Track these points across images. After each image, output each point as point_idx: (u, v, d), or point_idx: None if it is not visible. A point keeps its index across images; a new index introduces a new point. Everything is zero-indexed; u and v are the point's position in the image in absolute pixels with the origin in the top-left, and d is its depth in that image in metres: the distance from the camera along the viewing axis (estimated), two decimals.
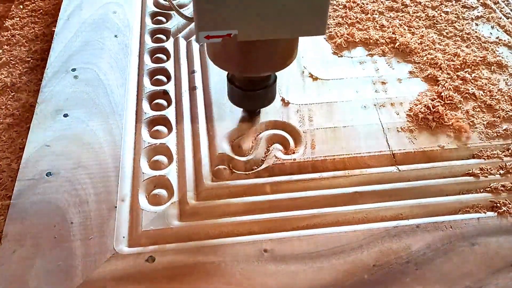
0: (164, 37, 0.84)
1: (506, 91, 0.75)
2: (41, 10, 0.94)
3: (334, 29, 0.86)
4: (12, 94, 0.78)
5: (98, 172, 0.63)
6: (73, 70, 0.77)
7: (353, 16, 0.88)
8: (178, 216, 0.59)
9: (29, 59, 0.84)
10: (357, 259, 0.55)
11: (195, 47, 0.82)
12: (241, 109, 0.70)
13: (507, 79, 0.78)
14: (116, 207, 0.59)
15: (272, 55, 0.55)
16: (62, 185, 0.61)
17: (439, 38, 0.85)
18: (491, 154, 0.67)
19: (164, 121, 0.70)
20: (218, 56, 0.58)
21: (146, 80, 0.76)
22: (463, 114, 0.72)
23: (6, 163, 0.68)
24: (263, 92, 0.63)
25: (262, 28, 0.47)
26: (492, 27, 0.88)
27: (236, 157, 0.65)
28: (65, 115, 0.70)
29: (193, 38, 0.84)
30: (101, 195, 0.60)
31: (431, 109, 0.71)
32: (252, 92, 0.63)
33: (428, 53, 0.82)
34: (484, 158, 0.66)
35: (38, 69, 0.82)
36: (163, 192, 0.62)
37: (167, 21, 0.88)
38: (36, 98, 0.76)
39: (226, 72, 0.64)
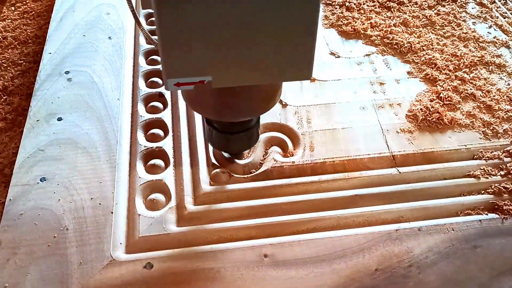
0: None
1: (505, 91, 0.75)
2: (33, 12, 0.93)
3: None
4: (4, 97, 0.76)
5: (94, 177, 0.61)
6: (67, 72, 0.75)
7: (349, 16, 0.88)
8: (176, 221, 0.58)
9: (22, 61, 0.83)
10: (359, 264, 0.54)
11: None
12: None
13: (506, 79, 0.77)
14: (112, 212, 0.58)
15: (252, 99, 0.49)
16: (57, 190, 0.60)
17: (437, 38, 0.84)
18: (491, 155, 0.66)
19: (160, 124, 0.69)
20: (192, 100, 0.52)
21: (141, 83, 0.75)
22: (463, 115, 0.71)
23: None
24: (246, 134, 0.57)
25: (239, 74, 0.42)
26: (490, 27, 0.88)
27: (234, 160, 0.64)
28: (59, 119, 0.68)
29: None
30: (97, 201, 0.59)
31: (430, 109, 0.71)
32: (234, 134, 0.56)
33: (426, 53, 0.81)
34: (484, 159, 0.66)
35: (31, 72, 0.81)
36: (160, 196, 0.60)
37: None
38: (29, 101, 0.74)
39: None
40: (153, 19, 0.86)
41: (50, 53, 0.78)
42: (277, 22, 0.39)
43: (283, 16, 0.39)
